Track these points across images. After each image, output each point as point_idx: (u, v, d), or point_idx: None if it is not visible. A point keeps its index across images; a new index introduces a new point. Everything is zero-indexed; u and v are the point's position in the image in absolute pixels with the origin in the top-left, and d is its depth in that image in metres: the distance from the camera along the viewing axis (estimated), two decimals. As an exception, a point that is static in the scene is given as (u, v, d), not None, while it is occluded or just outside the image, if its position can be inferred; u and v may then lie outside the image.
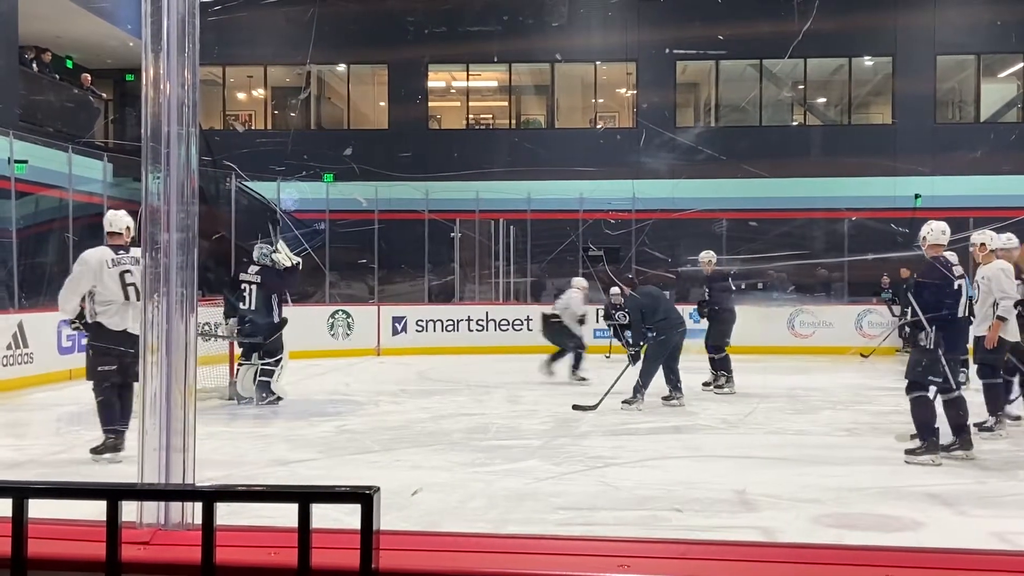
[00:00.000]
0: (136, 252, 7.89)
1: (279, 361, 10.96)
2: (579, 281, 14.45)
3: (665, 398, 10.87)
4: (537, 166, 22.05)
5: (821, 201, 21.52)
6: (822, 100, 25.24)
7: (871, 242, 20.55)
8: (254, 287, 11.00)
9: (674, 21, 22.61)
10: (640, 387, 10.61)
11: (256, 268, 11.12)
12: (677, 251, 18.19)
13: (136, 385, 9.99)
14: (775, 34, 21.25)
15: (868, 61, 24.17)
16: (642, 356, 10.84)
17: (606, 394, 10.41)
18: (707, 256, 12.79)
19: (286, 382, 11.81)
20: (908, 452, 7.46)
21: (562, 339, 14.11)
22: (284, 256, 11.32)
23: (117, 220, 8.06)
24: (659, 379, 10.81)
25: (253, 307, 10.96)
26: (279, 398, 10.98)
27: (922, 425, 7.47)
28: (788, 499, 6.23)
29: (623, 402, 10.54)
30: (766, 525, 5.65)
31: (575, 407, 10.30)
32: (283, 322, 11.09)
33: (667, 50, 22.95)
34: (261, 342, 10.92)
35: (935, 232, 7.72)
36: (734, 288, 13.01)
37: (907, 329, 8.29)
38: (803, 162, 22.11)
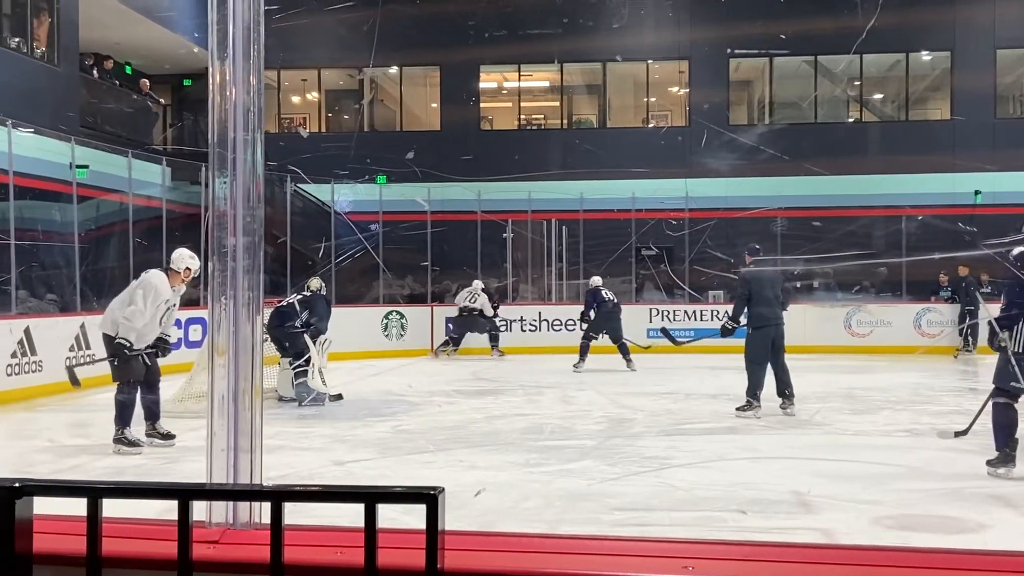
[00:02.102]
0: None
1: (308, 360, 11.16)
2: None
3: (781, 406, 10.07)
4: (589, 166, 22.03)
5: (879, 199, 21.21)
6: (879, 96, 24.89)
7: (931, 240, 20.23)
8: (300, 297, 11.76)
9: (726, 18, 22.42)
10: (752, 394, 9.97)
11: (311, 292, 11.90)
12: (737, 251, 18.05)
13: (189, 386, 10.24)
14: (830, 30, 21.02)
15: (926, 56, 23.76)
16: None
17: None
18: (596, 281, 16.00)
19: (341, 383, 12.00)
20: (988, 463, 6.91)
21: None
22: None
23: (179, 260, 8.50)
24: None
25: (285, 303, 11.55)
26: (325, 395, 11.16)
27: (997, 431, 6.91)
28: (848, 500, 6.15)
29: (736, 409, 10.01)
30: (826, 527, 5.59)
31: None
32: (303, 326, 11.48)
33: (728, 50, 22.80)
34: (283, 343, 11.32)
35: None
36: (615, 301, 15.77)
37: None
38: (860, 159, 21.80)
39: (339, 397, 11.43)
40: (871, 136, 23.19)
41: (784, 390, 10.12)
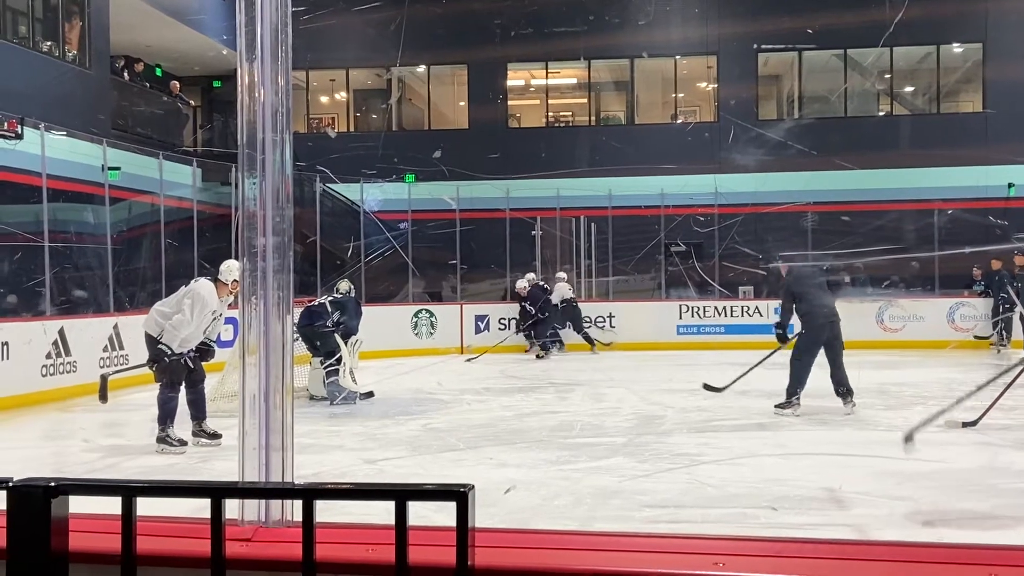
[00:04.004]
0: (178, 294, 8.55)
1: (340, 359, 11.23)
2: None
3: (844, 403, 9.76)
4: (617, 163, 21.96)
5: (910, 192, 21.03)
6: (909, 89, 24.64)
7: (964, 234, 20.00)
8: (331, 298, 11.85)
9: (754, 13, 22.30)
10: (793, 392, 9.76)
11: (342, 295, 12.00)
12: (765, 246, 17.91)
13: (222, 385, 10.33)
14: (859, 23, 20.83)
15: (957, 48, 23.52)
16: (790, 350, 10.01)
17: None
18: (522, 283, 17.85)
19: (371, 381, 12.06)
20: None
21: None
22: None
23: (227, 272, 8.59)
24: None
25: (317, 303, 11.74)
26: (356, 394, 11.22)
27: None
28: (880, 496, 6.11)
29: (775, 406, 9.80)
30: (859, 523, 5.55)
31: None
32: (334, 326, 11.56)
33: (756, 44, 22.67)
34: (314, 343, 11.44)
35: None
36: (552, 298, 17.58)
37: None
38: (891, 153, 21.59)
39: (370, 395, 11.49)
40: (902, 129, 22.96)
41: (840, 389, 9.85)
